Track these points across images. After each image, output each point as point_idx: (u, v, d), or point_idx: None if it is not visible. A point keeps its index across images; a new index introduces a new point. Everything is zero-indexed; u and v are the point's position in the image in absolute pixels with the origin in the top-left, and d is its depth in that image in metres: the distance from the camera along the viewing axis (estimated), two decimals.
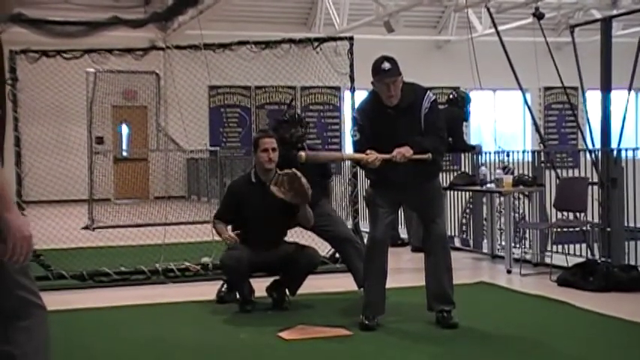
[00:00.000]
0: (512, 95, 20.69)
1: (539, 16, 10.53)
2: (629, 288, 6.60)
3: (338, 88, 19.99)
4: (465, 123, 10.27)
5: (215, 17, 17.27)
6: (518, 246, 9.00)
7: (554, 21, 19.44)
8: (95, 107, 14.52)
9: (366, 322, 5.37)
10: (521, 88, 10.45)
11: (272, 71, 13.30)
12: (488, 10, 13.12)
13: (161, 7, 17.12)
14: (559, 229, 8.41)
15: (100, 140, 16.16)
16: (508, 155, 9.01)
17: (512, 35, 14.92)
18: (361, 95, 6.07)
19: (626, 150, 7.99)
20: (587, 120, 10.03)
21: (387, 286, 5.55)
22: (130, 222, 13.26)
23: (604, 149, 8.35)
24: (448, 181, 9.00)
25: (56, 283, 7.19)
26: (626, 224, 7.78)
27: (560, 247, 8.45)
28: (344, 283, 6.70)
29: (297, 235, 6.73)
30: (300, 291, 6.19)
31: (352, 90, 7.89)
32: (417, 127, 5.30)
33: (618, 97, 8.92)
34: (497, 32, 10.63)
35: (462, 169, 10.01)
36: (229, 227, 6.20)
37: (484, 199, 9.45)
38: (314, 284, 6.44)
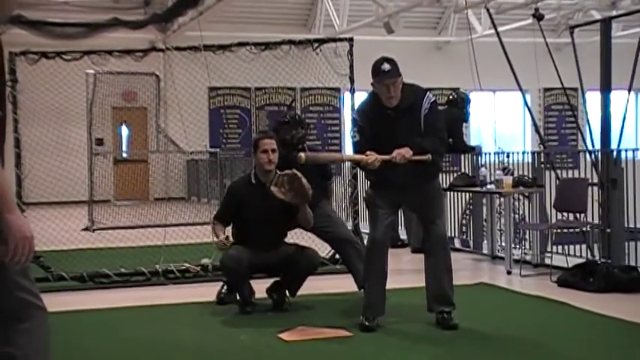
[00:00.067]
0: (512, 96, 20.70)
1: (538, 17, 10.51)
2: (629, 289, 6.60)
3: (338, 89, 19.99)
4: (464, 124, 10.28)
5: (215, 18, 17.27)
6: (518, 247, 9.01)
7: (554, 22, 19.46)
8: (95, 108, 14.52)
9: (366, 323, 5.37)
10: (521, 89, 10.44)
11: (272, 72, 13.30)
12: (487, 11, 13.14)
13: (161, 9, 17.13)
14: (559, 230, 8.42)
15: (99, 141, 16.15)
16: (508, 156, 9.01)
17: (512, 36, 14.91)
18: (361, 96, 6.08)
19: (626, 151, 7.99)
20: (587, 121, 10.02)
21: (387, 287, 5.55)
22: (130, 223, 13.27)
23: (604, 150, 8.35)
24: (448, 182, 9.00)
25: (56, 285, 7.19)
26: (626, 225, 7.78)
27: (560, 247, 8.45)
28: (344, 284, 6.70)
29: (297, 237, 6.73)
30: (300, 292, 6.19)
31: (352, 91, 7.89)
32: (416, 128, 5.30)
33: (618, 97, 8.91)
34: (497, 33, 10.63)
35: (462, 170, 10.01)
36: (229, 228, 6.21)
37: (484, 200, 9.45)
38: (314, 285, 6.44)
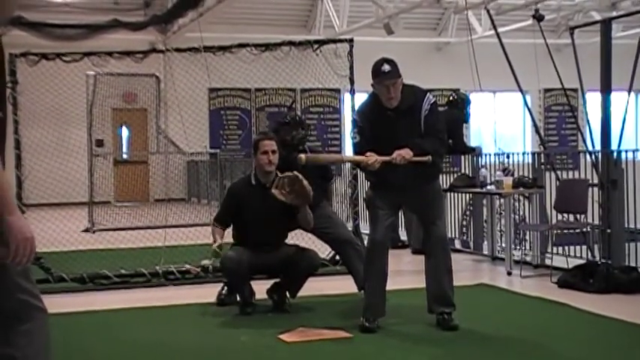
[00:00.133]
0: (512, 97, 20.72)
1: (538, 17, 10.51)
2: (629, 289, 6.61)
3: (338, 90, 20.00)
4: (465, 125, 10.28)
5: (215, 20, 17.28)
6: (518, 248, 9.01)
7: (554, 23, 19.47)
8: (95, 110, 14.52)
9: (367, 325, 5.37)
10: (521, 90, 10.44)
11: (272, 73, 13.32)
12: (487, 12, 13.14)
13: (161, 10, 17.12)
14: (559, 231, 8.42)
15: (100, 143, 16.16)
16: (508, 157, 9.01)
17: (512, 37, 14.90)
18: (361, 97, 6.08)
19: (626, 151, 7.99)
20: (587, 121, 10.02)
21: (388, 288, 5.55)
22: (130, 224, 13.28)
23: (604, 151, 8.34)
24: (448, 183, 9.00)
25: (56, 286, 7.20)
26: (626, 226, 7.78)
27: (560, 248, 8.45)
28: (344, 285, 6.70)
29: (297, 238, 6.73)
30: (300, 293, 6.19)
31: (352, 92, 7.90)
32: (416, 129, 5.30)
33: (618, 98, 8.91)
34: (497, 34, 10.63)
35: (462, 171, 10.01)
36: (229, 230, 6.21)
37: (484, 201, 9.45)
38: (314, 286, 6.44)
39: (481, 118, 20.82)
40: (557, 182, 8.63)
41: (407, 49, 18.40)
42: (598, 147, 8.77)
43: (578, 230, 8.40)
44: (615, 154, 8.00)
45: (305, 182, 5.78)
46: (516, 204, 9.81)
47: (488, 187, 8.29)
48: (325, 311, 6.11)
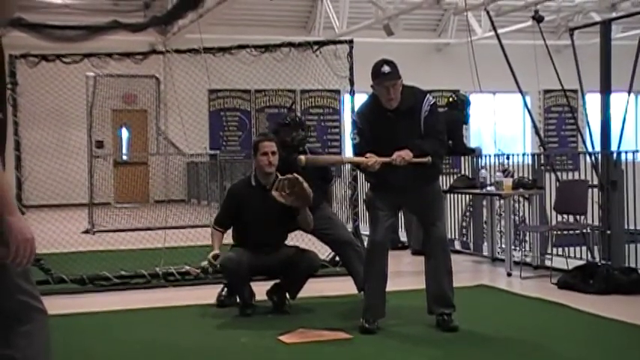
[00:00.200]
0: (511, 98, 20.71)
1: (538, 19, 10.52)
2: (629, 290, 6.61)
3: (338, 92, 19.97)
4: (464, 126, 10.28)
5: (215, 21, 17.28)
6: (518, 249, 9.00)
7: (554, 24, 19.47)
8: (95, 111, 14.51)
9: (367, 326, 5.37)
10: (520, 91, 10.45)
11: (272, 75, 13.32)
12: (487, 13, 13.15)
13: (161, 11, 17.13)
14: (559, 232, 8.42)
15: (99, 144, 16.14)
16: (508, 158, 9.01)
17: (512, 38, 14.89)
18: (361, 98, 6.07)
19: (626, 152, 8.00)
20: (587, 122, 10.03)
21: (388, 289, 5.55)
22: (130, 226, 13.28)
23: (604, 152, 8.35)
24: (448, 184, 9.00)
25: (56, 288, 7.20)
26: (626, 227, 7.78)
27: (560, 249, 8.45)
28: (344, 286, 6.70)
29: (297, 239, 6.73)
30: (300, 294, 6.19)
31: (352, 93, 7.90)
32: (416, 130, 5.31)
33: (618, 99, 8.92)
34: (497, 35, 10.64)
35: (462, 172, 10.02)
36: (229, 231, 6.22)
37: (484, 202, 9.45)
38: (314, 288, 6.44)
39: (481, 120, 20.82)
40: (557, 183, 8.63)
41: (407, 50, 18.40)
42: (598, 148, 8.78)
43: (578, 231, 8.40)
44: (615, 155, 8.01)
45: (305, 184, 5.79)
46: (516, 205, 9.81)
47: (488, 188, 8.29)
48: (325, 312, 6.12)
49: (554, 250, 8.42)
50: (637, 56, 8.65)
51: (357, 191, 8.13)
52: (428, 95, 5.42)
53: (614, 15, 15.95)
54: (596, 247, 8.29)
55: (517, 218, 9.96)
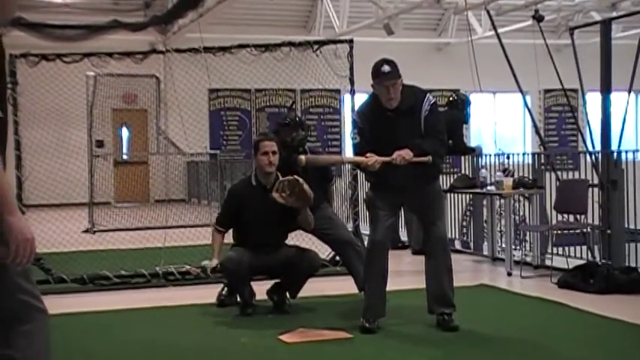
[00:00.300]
0: (512, 98, 20.70)
1: (538, 18, 10.50)
2: (629, 290, 6.60)
3: (338, 91, 19.99)
4: (465, 125, 10.28)
5: (215, 20, 17.28)
6: (518, 248, 9.00)
7: (554, 23, 19.47)
8: (95, 111, 14.52)
9: (367, 325, 5.37)
10: (521, 91, 10.44)
11: (272, 74, 13.33)
12: (488, 12, 13.15)
13: (161, 11, 17.13)
14: (559, 232, 8.42)
15: (100, 143, 16.16)
16: (508, 158, 9.01)
17: (512, 38, 14.89)
18: (361, 98, 6.07)
19: (627, 152, 7.99)
20: (587, 122, 10.02)
21: (388, 288, 5.55)
22: (130, 225, 13.29)
23: (604, 151, 8.34)
24: (448, 184, 9.00)
25: (57, 287, 7.20)
26: (626, 226, 7.78)
27: (560, 249, 8.45)
28: (344, 286, 6.70)
29: (297, 238, 6.73)
30: (300, 294, 6.19)
31: (352, 93, 7.89)
32: (417, 129, 5.31)
33: (618, 99, 8.91)
34: (497, 35, 10.63)
35: (462, 172, 10.01)
36: (230, 231, 6.22)
37: (484, 202, 9.45)
38: (314, 287, 6.44)
39: (481, 119, 20.81)
40: (558, 183, 8.63)
41: (407, 49, 18.40)
42: (598, 147, 8.77)
43: (578, 231, 8.39)
44: (615, 154, 8.00)
45: (305, 185, 5.78)
46: (516, 204, 9.80)
47: (489, 187, 8.29)
48: (325, 312, 6.12)
49: (555, 249, 8.42)
50: (637, 55, 8.64)
51: (357, 191, 8.13)
52: (428, 95, 5.42)
53: (614, 14, 15.94)
54: (596, 247, 8.28)
55: (517, 218, 9.95)
